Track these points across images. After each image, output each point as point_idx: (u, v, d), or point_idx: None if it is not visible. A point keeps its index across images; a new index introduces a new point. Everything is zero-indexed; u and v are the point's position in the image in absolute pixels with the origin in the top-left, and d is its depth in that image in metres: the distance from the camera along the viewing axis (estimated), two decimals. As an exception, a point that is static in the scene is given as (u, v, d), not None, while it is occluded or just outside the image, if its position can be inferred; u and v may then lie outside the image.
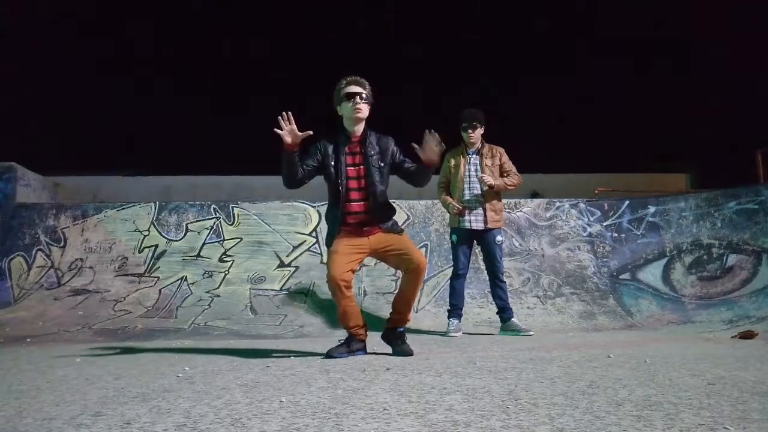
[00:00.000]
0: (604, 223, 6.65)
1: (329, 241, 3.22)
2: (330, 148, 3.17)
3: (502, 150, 4.82)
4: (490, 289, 4.94)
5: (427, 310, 5.75)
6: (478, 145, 4.79)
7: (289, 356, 3.10)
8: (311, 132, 3.03)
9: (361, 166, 3.16)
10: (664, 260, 6.18)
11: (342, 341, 3.21)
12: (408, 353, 3.09)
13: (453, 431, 1.32)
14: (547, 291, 5.99)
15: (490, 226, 4.66)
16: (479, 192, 4.69)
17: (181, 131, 15.13)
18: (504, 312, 4.68)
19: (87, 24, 14.82)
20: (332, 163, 3.14)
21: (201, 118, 15.71)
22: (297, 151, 3.03)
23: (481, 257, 5.19)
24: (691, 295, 5.76)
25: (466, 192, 4.72)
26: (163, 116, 14.84)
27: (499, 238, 4.71)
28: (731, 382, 1.96)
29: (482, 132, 4.79)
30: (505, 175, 4.75)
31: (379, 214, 3.17)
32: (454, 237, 4.78)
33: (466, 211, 4.69)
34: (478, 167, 4.74)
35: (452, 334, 4.54)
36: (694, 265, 6.04)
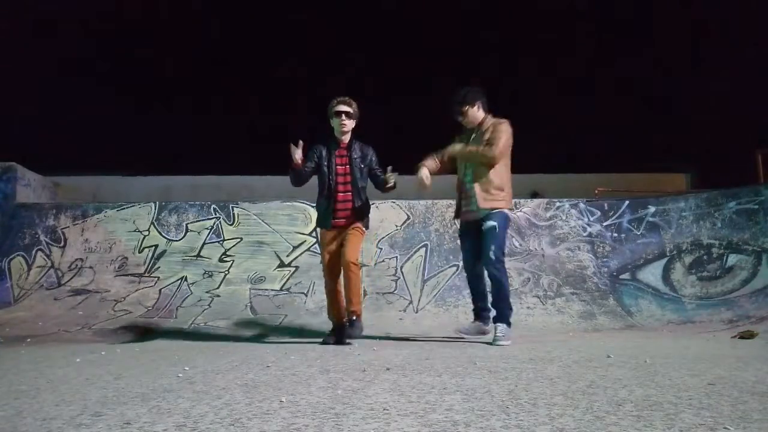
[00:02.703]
0: (604, 223, 6.65)
1: (319, 224, 4.16)
2: (323, 151, 4.07)
3: (497, 124, 3.97)
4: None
5: (427, 310, 5.75)
6: (477, 123, 4.04)
7: (289, 356, 3.10)
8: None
9: (347, 166, 4.05)
10: (664, 260, 6.18)
11: (334, 327, 4.13)
12: (350, 336, 3.92)
13: (453, 431, 1.32)
14: (547, 291, 5.99)
15: (481, 206, 3.87)
16: (472, 173, 3.97)
17: (182, 131, 15.14)
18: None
19: (87, 24, 14.82)
20: (325, 163, 4.04)
21: (201, 117, 15.72)
22: (302, 166, 3.95)
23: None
24: (691, 295, 5.76)
25: (461, 174, 4.09)
26: (163, 116, 14.85)
27: (490, 223, 3.82)
28: (731, 382, 1.96)
29: (477, 109, 4.01)
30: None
31: (358, 204, 4.06)
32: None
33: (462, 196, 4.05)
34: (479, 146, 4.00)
35: (501, 343, 3.70)
36: (694, 265, 6.04)
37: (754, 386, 1.86)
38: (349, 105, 4.03)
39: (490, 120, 4.03)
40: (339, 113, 4.00)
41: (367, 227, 4.15)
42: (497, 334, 3.74)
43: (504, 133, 3.93)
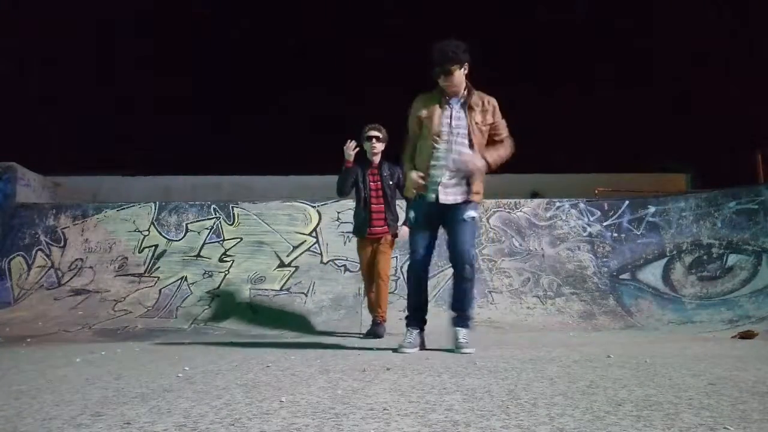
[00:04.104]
0: (604, 223, 6.65)
1: (356, 233, 4.85)
2: (359, 170, 4.72)
3: (495, 103, 3.32)
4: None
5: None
6: (463, 92, 3.26)
7: (289, 356, 3.10)
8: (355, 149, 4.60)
9: (379, 182, 4.74)
10: (664, 260, 6.18)
11: (372, 325, 4.76)
12: (377, 335, 4.56)
13: (453, 431, 1.32)
14: (547, 291, 5.99)
15: (472, 198, 3.28)
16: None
17: (182, 131, 15.14)
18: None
19: (87, 24, 14.82)
20: (361, 179, 4.72)
21: (201, 118, 15.72)
22: (352, 167, 4.61)
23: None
24: (691, 295, 5.77)
25: (438, 156, 3.23)
26: (163, 116, 14.85)
27: (473, 213, 3.29)
28: (731, 382, 1.96)
29: (463, 71, 3.20)
30: (496, 138, 3.33)
31: (390, 215, 4.77)
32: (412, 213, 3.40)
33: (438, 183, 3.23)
34: (463, 123, 3.23)
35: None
36: (694, 265, 6.04)
37: (754, 386, 1.86)
38: (379, 130, 4.73)
39: (476, 93, 3.29)
40: (370, 137, 4.71)
41: (396, 235, 4.85)
42: (462, 340, 3.22)
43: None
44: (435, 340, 4.24)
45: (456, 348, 3.19)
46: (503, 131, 3.36)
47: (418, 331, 3.39)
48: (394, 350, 3.25)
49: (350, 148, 4.56)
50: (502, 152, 3.32)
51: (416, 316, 3.43)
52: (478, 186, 3.27)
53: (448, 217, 3.28)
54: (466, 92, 3.26)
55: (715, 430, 1.30)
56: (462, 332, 3.27)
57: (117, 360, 3.06)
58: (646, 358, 2.67)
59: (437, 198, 3.22)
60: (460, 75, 3.18)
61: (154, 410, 1.60)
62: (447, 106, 3.25)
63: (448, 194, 3.23)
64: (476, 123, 3.23)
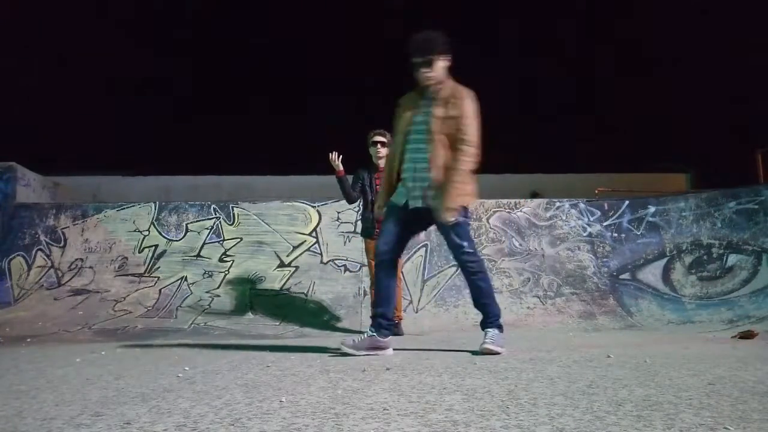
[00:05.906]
0: (604, 223, 6.64)
1: (364, 235, 5.02)
2: (365, 175, 4.94)
3: (465, 94, 2.97)
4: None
5: (427, 310, 5.75)
6: (439, 87, 3.01)
7: (289, 356, 3.10)
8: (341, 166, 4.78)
9: None
10: (664, 260, 6.18)
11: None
12: (396, 334, 4.45)
13: (453, 431, 1.32)
14: (547, 291, 5.99)
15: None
16: (422, 163, 3.00)
17: (182, 131, 15.15)
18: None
19: (87, 24, 14.83)
20: (368, 184, 4.91)
21: (201, 118, 15.72)
22: (344, 175, 4.80)
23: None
24: (691, 295, 5.77)
25: (407, 158, 3.05)
26: (163, 116, 14.85)
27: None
28: (731, 382, 1.96)
29: (444, 62, 2.99)
30: (458, 136, 2.91)
31: None
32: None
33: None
34: (428, 120, 2.97)
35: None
36: (694, 265, 6.05)
37: (754, 386, 1.86)
38: (384, 135, 4.87)
39: (452, 86, 3.02)
40: (375, 143, 4.89)
41: None
42: (487, 340, 3.02)
43: (474, 115, 2.95)
44: (435, 340, 4.24)
45: (479, 349, 2.95)
46: (466, 131, 2.91)
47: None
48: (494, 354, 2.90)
49: (335, 160, 4.77)
50: (456, 178, 2.90)
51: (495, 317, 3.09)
52: (457, 191, 2.93)
53: (434, 221, 3.04)
54: (440, 86, 2.98)
55: (715, 430, 1.30)
56: (489, 333, 3.02)
57: (117, 360, 3.06)
58: (646, 358, 2.67)
59: (407, 203, 3.01)
60: (435, 68, 2.94)
61: (154, 410, 1.60)
62: (420, 103, 3.02)
63: (418, 198, 3.01)
64: (436, 117, 2.93)
